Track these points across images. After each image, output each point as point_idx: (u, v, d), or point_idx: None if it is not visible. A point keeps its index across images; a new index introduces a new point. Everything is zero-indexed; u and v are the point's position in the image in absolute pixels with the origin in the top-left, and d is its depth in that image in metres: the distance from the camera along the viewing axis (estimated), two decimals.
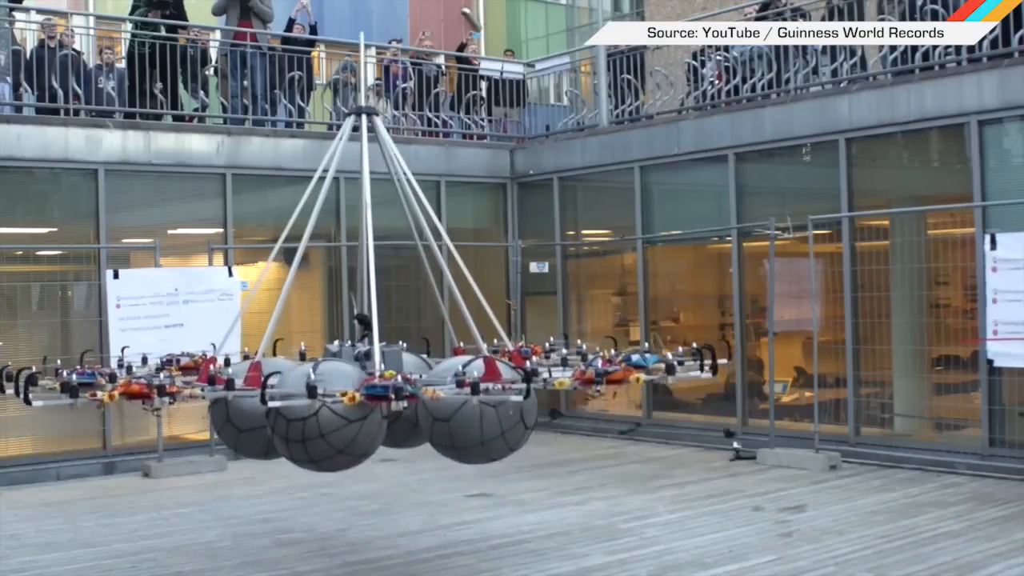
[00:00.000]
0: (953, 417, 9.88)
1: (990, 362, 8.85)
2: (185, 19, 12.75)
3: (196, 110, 12.18)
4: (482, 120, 14.28)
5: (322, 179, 6.10)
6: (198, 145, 11.68)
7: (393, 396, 4.94)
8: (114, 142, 11.12)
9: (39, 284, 11.44)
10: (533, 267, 13.57)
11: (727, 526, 7.68)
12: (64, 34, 11.96)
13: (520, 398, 5.25)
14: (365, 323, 5.99)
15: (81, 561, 7.22)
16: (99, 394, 5.15)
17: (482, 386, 5.12)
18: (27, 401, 5.21)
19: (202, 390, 5.28)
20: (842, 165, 10.39)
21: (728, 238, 11.60)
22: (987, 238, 8.80)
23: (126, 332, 10.23)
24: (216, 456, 10.87)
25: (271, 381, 5.04)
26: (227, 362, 5.99)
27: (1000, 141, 9.53)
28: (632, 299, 12.82)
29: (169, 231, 11.84)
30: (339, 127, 13.25)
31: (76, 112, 11.32)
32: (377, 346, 5.50)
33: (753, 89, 11.65)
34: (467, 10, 20.65)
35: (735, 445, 10.69)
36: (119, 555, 7.34)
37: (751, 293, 11.48)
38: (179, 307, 10.52)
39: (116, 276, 10.31)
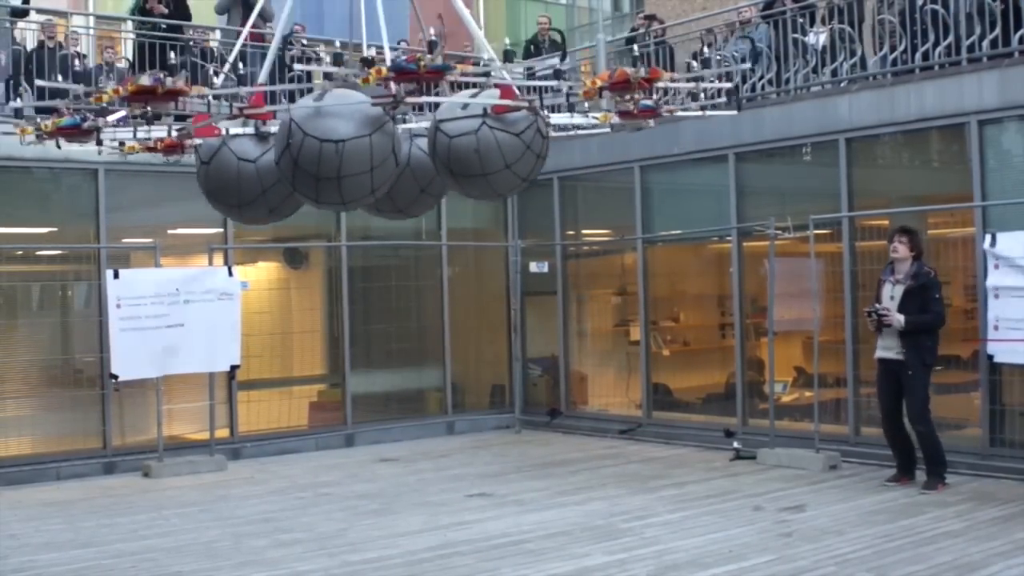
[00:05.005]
0: (953, 417, 9.87)
1: (990, 357, 8.84)
2: (188, 17, 12.76)
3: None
4: None
5: None
6: None
7: (426, 57, 4.65)
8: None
9: (39, 284, 11.45)
10: (533, 267, 13.57)
11: (727, 526, 7.68)
12: (71, 38, 11.98)
13: (556, 62, 5.09)
14: (370, 65, 5.74)
15: (81, 561, 7.22)
16: (106, 97, 4.96)
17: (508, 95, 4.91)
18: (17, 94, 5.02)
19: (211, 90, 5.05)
20: (842, 165, 10.39)
21: (728, 238, 11.60)
22: (987, 237, 8.81)
23: (126, 332, 10.25)
24: (216, 456, 10.89)
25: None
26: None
27: (1000, 141, 9.51)
28: (632, 299, 12.82)
29: (169, 231, 11.84)
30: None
31: (76, 112, 11.30)
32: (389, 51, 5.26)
33: (753, 89, 11.65)
34: (467, 10, 20.62)
35: (735, 445, 10.69)
36: (119, 555, 7.34)
37: (751, 293, 11.48)
38: (179, 307, 10.52)
39: (116, 276, 10.30)
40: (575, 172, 13.35)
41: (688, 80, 5.59)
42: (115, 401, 10.90)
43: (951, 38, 9.87)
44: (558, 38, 15.06)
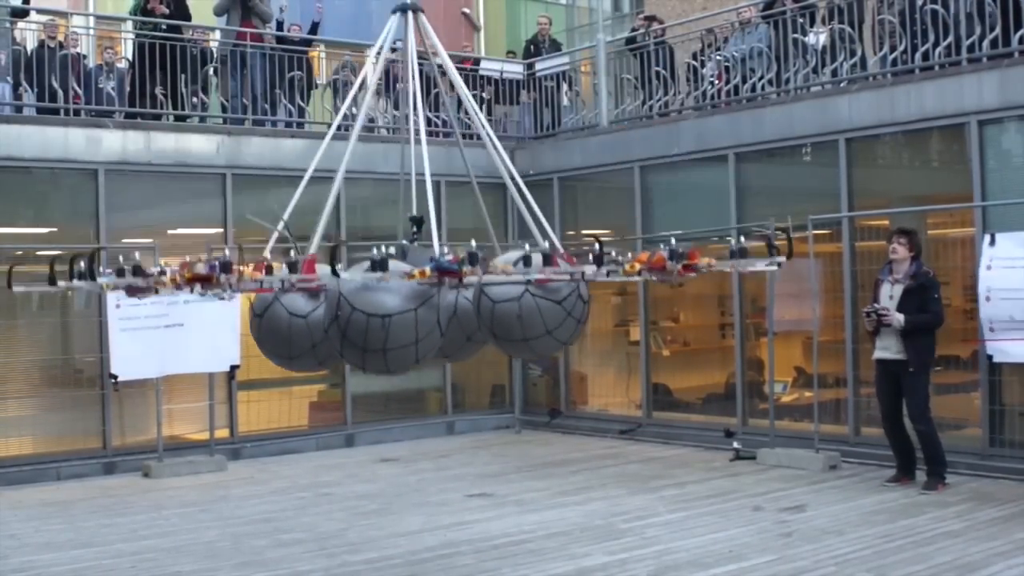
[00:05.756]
0: (953, 417, 9.88)
1: (990, 358, 8.85)
2: (188, 18, 12.77)
3: (195, 108, 12.15)
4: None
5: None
6: (198, 145, 11.68)
7: (467, 265, 4.82)
8: (114, 142, 11.12)
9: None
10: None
11: (727, 526, 7.68)
12: (71, 38, 12.00)
13: (593, 269, 5.15)
14: (418, 224, 5.87)
15: (81, 561, 7.22)
16: (165, 278, 5.10)
17: (551, 265, 5.03)
18: (92, 277, 5.13)
19: (264, 276, 5.16)
20: (842, 165, 10.39)
21: (728, 238, 11.57)
22: (987, 237, 8.81)
23: (126, 332, 10.25)
24: (216, 456, 10.88)
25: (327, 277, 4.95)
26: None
27: (1000, 141, 9.52)
28: (632, 299, 12.82)
29: (169, 231, 11.85)
30: (339, 127, 13.32)
31: (76, 112, 11.33)
32: (436, 236, 5.40)
33: (753, 89, 11.66)
34: (467, 10, 20.65)
35: (735, 445, 10.69)
36: (119, 555, 7.34)
37: (751, 293, 11.48)
38: (179, 307, 10.51)
39: None
40: (575, 172, 13.37)
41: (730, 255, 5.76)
42: (115, 401, 10.90)
43: (951, 38, 9.88)
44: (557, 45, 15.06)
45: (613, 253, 5.80)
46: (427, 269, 4.88)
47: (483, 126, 6.46)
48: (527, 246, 5.81)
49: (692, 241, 12.39)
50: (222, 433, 11.37)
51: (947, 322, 8.96)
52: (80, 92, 11.49)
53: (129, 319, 10.27)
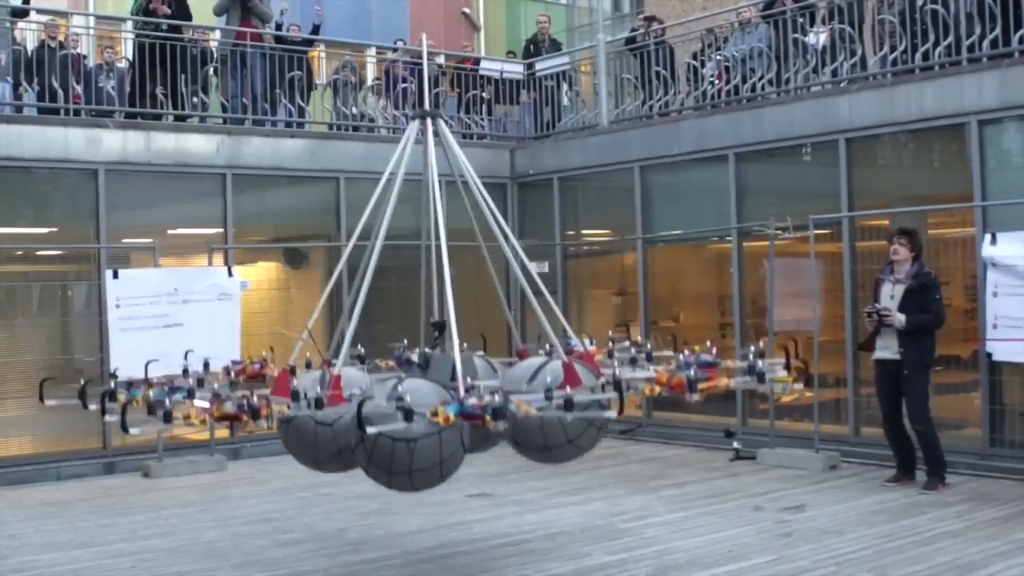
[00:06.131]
0: (953, 417, 9.88)
1: (989, 355, 8.85)
2: (188, 18, 12.78)
3: (195, 108, 12.15)
4: (482, 120, 14.28)
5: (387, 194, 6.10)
6: (198, 145, 11.68)
7: (491, 417, 4.87)
8: (114, 142, 11.12)
9: (39, 284, 11.45)
10: (533, 267, 13.55)
11: (727, 526, 7.68)
12: (71, 38, 12.01)
13: (614, 414, 5.14)
14: (441, 329, 5.95)
15: (81, 561, 7.22)
16: (192, 418, 5.16)
17: (576, 399, 5.02)
18: (125, 429, 5.19)
19: (288, 408, 5.20)
20: (842, 165, 10.39)
21: (728, 238, 11.60)
22: (987, 236, 8.82)
23: (126, 332, 10.24)
24: (216, 456, 10.88)
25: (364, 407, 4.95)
26: (292, 371, 5.84)
27: (1000, 141, 9.52)
28: (632, 299, 12.81)
29: (169, 231, 11.85)
30: (339, 127, 13.36)
31: (76, 112, 11.33)
32: (458, 355, 5.44)
33: (753, 89, 11.66)
34: (467, 10, 20.66)
35: (735, 445, 10.69)
36: (119, 555, 7.34)
37: (751, 293, 11.48)
38: (179, 307, 10.52)
39: (116, 276, 10.30)
40: (575, 172, 13.36)
41: (746, 361, 5.81)
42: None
43: (951, 38, 9.88)
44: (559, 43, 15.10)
45: (633, 351, 5.86)
46: (451, 415, 4.91)
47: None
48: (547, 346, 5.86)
49: (692, 241, 12.46)
50: (222, 433, 11.33)
51: (947, 322, 8.96)
52: (80, 92, 11.50)
53: (129, 319, 10.27)
